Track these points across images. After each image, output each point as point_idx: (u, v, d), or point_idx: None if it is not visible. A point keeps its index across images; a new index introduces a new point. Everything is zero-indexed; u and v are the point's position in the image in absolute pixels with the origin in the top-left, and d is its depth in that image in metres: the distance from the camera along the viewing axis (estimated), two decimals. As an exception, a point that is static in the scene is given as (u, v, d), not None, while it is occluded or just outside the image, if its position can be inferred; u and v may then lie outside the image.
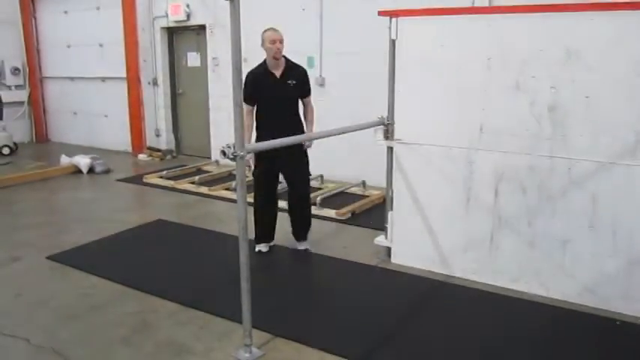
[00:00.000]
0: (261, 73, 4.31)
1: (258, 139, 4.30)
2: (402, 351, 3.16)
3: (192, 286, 4.02)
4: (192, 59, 8.99)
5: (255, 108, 4.35)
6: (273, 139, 3.53)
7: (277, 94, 4.30)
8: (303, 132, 4.41)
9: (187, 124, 9.40)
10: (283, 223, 4.76)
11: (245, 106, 4.05)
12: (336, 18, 6.94)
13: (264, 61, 4.34)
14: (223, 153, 2.84)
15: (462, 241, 4.12)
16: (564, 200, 3.68)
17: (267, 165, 4.39)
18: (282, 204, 5.97)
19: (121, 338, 3.31)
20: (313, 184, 6.98)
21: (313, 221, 4.83)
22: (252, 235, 4.30)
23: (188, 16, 8.51)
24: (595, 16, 3.42)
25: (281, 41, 4.22)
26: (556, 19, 3.57)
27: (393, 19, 4.13)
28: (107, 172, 8.03)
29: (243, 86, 3.55)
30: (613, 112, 3.43)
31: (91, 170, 7.96)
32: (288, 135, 3.78)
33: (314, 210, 5.82)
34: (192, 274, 4.26)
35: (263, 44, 4.25)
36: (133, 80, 9.29)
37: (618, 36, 3.36)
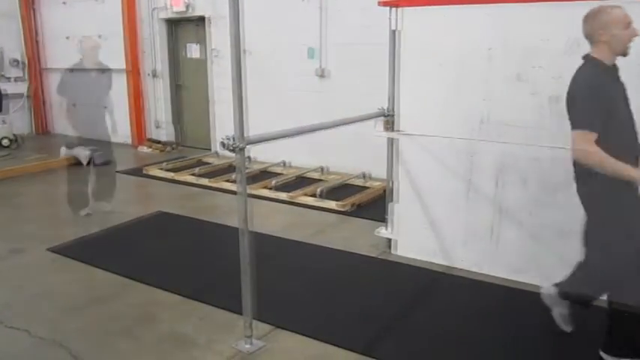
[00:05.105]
0: (607, 75, 2.68)
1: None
2: (403, 342, 3.16)
3: (194, 278, 4.03)
4: (193, 51, 8.96)
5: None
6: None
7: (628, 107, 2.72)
8: None
9: (188, 116, 9.37)
10: (280, 216, 4.74)
11: (589, 135, 2.57)
12: (337, 8, 6.89)
13: (596, 60, 2.70)
14: (223, 144, 2.83)
15: (463, 233, 4.11)
16: (566, 191, 3.66)
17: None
18: (283, 195, 6.00)
19: (123, 330, 3.31)
20: (313, 175, 7.00)
21: (314, 212, 4.80)
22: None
23: (188, 7, 8.46)
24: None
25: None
26: (560, 8, 3.52)
27: (394, 10, 4.10)
28: (107, 163, 8.01)
29: (582, 100, 2.51)
30: (616, 103, 3.40)
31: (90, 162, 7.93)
32: None
33: (315, 201, 5.83)
34: (193, 266, 4.26)
35: (603, 30, 2.65)
36: (133, 72, 9.23)
37: (622, 25, 3.31)
